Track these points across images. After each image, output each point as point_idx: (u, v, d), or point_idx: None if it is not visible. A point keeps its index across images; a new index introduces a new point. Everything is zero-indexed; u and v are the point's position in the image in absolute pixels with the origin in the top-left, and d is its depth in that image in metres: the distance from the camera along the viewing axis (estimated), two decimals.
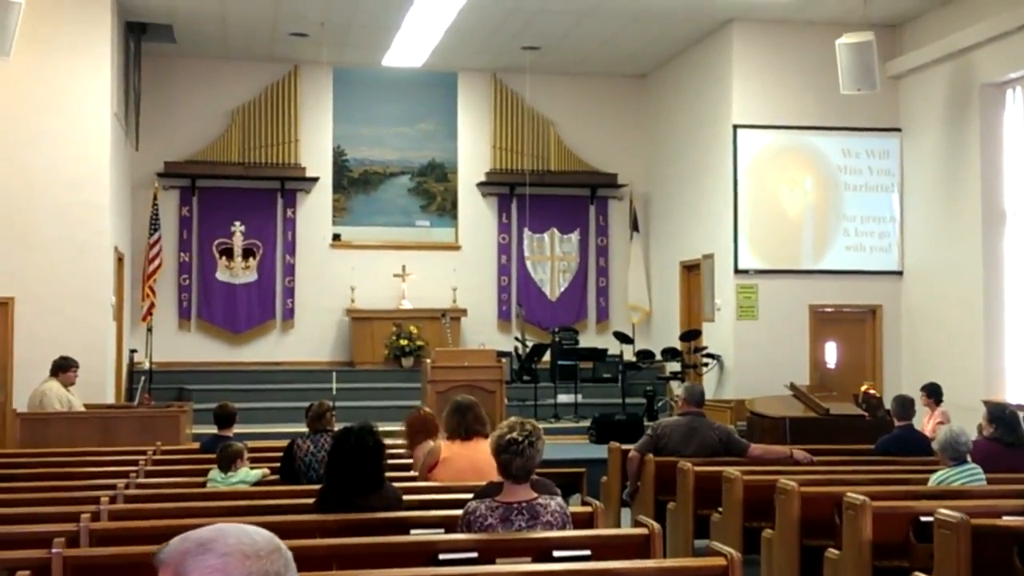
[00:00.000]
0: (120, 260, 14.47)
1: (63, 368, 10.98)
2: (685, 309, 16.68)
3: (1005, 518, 5.69)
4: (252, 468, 7.30)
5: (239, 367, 16.48)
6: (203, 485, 7.14)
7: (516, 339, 16.76)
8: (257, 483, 7.17)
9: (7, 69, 12.10)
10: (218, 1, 14.16)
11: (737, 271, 14.82)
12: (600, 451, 10.49)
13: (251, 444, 7.96)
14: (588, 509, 5.39)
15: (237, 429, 8.78)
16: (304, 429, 7.59)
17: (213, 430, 8.81)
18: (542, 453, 4.68)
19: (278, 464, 7.36)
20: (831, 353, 14.99)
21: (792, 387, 12.21)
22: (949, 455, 6.74)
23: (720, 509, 7.54)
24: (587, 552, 4.54)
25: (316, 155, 17.38)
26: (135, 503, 6.15)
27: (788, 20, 14.76)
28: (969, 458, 6.83)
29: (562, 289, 18.09)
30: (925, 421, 10.75)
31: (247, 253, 17.09)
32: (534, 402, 14.82)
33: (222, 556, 1.83)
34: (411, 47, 15.79)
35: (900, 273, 14.98)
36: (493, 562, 4.36)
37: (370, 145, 17.88)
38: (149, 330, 15.41)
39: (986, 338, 13.18)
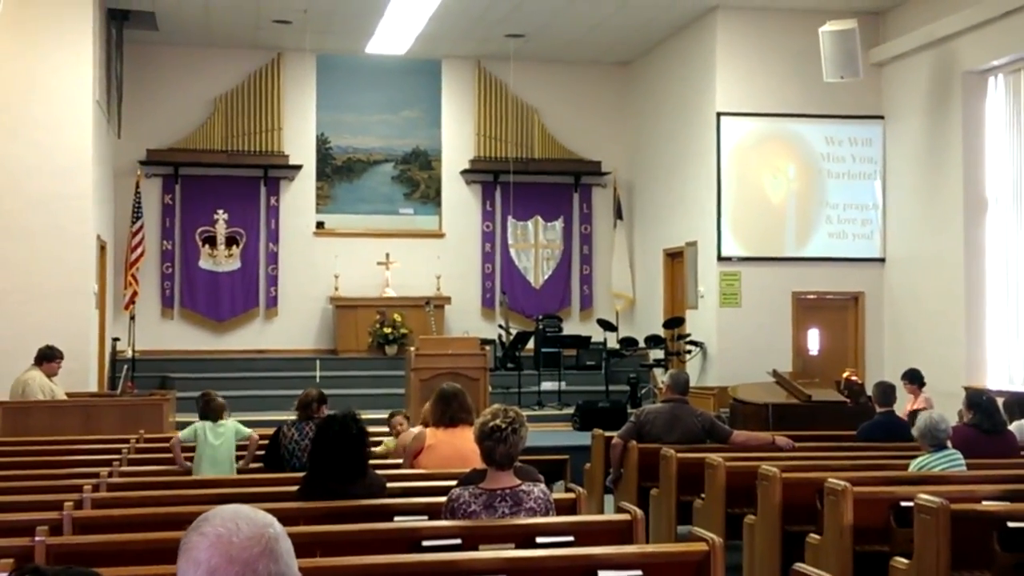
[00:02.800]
0: (103, 248, 14.41)
1: (48, 358, 10.89)
2: (668, 296, 16.72)
3: (984, 503, 5.75)
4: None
5: (222, 355, 16.45)
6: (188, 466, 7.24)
7: (500, 327, 16.78)
8: (242, 442, 7.30)
9: None
10: None
11: (720, 258, 14.86)
12: (584, 438, 10.51)
13: None
14: (571, 496, 5.41)
15: None
16: (288, 417, 7.61)
17: (196, 419, 8.78)
18: (525, 440, 4.70)
19: (262, 452, 7.38)
20: (813, 340, 15.05)
21: (775, 374, 12.25)
22: (929, 441, 6.79)
23: (703, 495, 7.58)
24: (570, 538, 4.56)
25: (299, 143, 17.35)
26: (118, 491, 6.15)
27: (771, 7, 14.77)
28: (949, 444, 6.88)
29: (546, 277, 18.11)
30: (907, 407, 10.81)
31: (230, 241, 17.05)
32: (518, 389, 14.84)
33: (200, 536, 1.90)
34: (394, 34, 15.77)
35: (882, 260, 15.04)
36: (476, 549, 4.37)
37: (353, 133, 17.85)
38: (132, 318, 15.37)
39: (967, 325, 13.25)
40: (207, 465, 7.35)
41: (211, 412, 7.48)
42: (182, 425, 10.48)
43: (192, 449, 7.50)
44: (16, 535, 4.54)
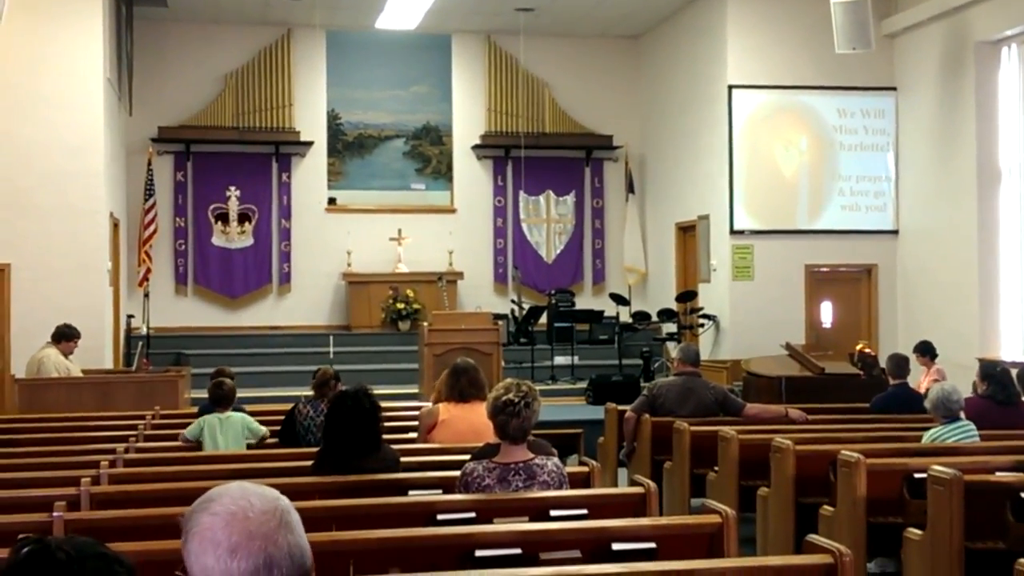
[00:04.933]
0: (116, 226, 14.45)
1: (66, 336, 10.88)
2: (681, 270, 16.71)
3: (997, 474, 5.75)
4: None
5: (236, 332, 16.49)
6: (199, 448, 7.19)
7: (512, 301, 16.79)
8: (250, 440, 7.21)
9: None
10: None
11: (732, 232, 14.83)
12: (597, 412, 10.53)
13: (249, 408, 7.98)
14: (585, 469, 5.43)
15: None
16: (301, 393, 7.63)
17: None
18: (538, 414, 4.71)
19: (278, 427, 7.41)
20: (827, 312, 15.03)
21: (788, 347, 12.26)
22: (941, 413, 6.80)
23: (716, 468, 7.59)
24: (584, 511, 4.58)
25: (310, 119, 17.33)
26: (134, 467, 6.20)
27: None
28: (962, 415, 6.88)
29: (558, 251, 18.10)
30: (921, 379, 10.81)
31: (243, 218, 17.07)
32: (531, 364, 14.85)
33: (212, 516, 1.89)
34: (404, 9, 15.72)
35: (895, 232, 15.00)
36: (491, 522, 4.39)
37: (364, 108, 17.82)
38: (146, 295, 15.42)
39: (981, 296, 13.22)
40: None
41: (220, 399, 7.24)
42: (197, 401, 10.56)
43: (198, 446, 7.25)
44: (34, 511, 4.58)
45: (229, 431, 7.16)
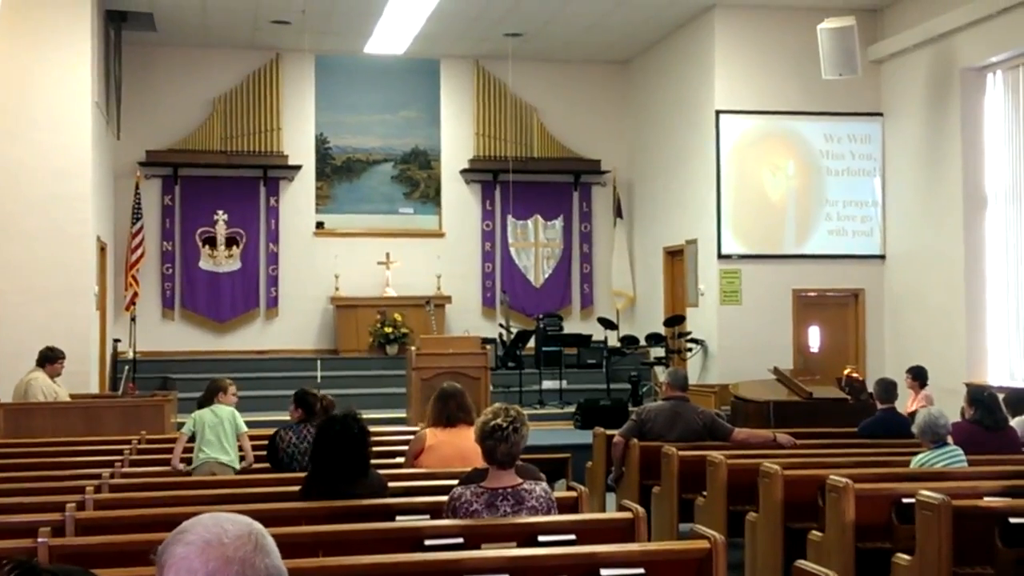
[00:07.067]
0: (103, 250, 14.41)
1: (50, 359, 10.87)
2: (669, 295, 16.72)
3: (986, 499, 5.75)
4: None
5: (223, 356, 16.41)
6: (189, 465, 7.46)
7: (501, 326, 16.78)
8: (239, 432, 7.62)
9: None
10: None
11: (720, 256, 14.86)
12: (585, 436, 10.51)
13: None
14: (573, 494, 5.41)
15: None
16: (289, 418, 7.61)
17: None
18: (526, 439, 4.70)
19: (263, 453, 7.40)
20: (814, 337, 15.04)
21: (776, 371, 12.26)
22: (928, 438, 6.80)
23: (704, 493, 7.58)
24: (572, 537, 4.56)
25: (298, 143, 17.34)
26: (120, 492, 6.16)
27: (770, 5, 14.77)
28: (950, 440, 6.88)
29: (546, 275, 18.11)
30: (908, 404, 10.80)
31: (230, 242, 17.05)
32: (519, 388, 14.84)
33: (187, 545, 1.87)
34: (393, 34, 15.77)
35: (882, 257, 15.04)
36: (479, 547, 4.38)
37: (353, 133, 17.84)
38: (133, 319, 15.37)
39: (968, 321, 13.25)
40: (206, 444, 7.44)
41: (210, 394, 7.78)
42: (183, 426, 10.49)
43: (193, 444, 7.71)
44: (19, 536, 4.55)
45: (218, 415, 7.59)
